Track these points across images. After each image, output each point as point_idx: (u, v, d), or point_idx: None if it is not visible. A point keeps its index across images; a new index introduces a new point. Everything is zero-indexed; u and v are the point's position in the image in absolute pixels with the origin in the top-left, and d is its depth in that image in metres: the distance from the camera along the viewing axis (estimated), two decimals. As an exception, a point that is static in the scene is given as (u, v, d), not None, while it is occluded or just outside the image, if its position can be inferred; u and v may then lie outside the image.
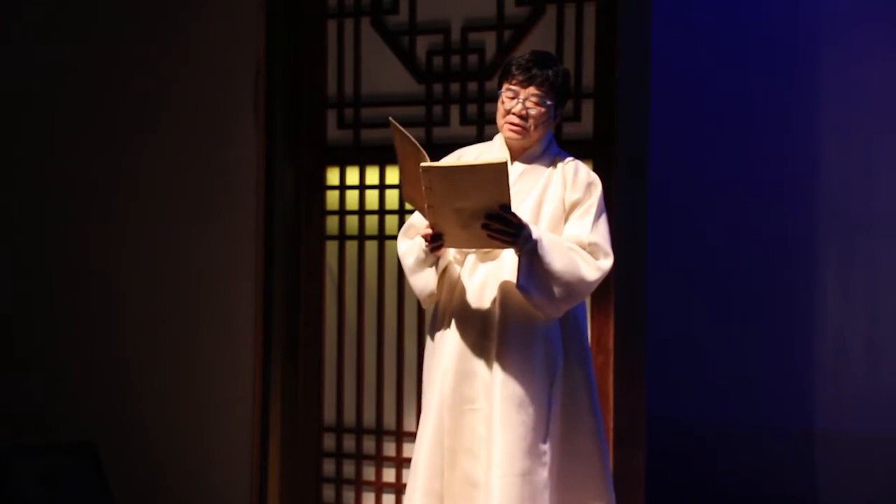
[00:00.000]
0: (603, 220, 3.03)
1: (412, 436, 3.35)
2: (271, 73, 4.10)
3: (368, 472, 4.12)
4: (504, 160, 2.75)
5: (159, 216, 4.24)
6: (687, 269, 5.10)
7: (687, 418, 5.05)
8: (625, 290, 3.71)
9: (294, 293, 4.17)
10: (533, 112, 2.98)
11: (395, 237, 3.48)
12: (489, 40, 3.98)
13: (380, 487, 4.10)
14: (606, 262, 2.98)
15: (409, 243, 3.07)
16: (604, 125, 3.82)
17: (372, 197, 4.14)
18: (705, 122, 5.12)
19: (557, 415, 2.97)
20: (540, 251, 2.85)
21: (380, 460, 4.10)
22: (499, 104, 3.03)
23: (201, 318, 4.18)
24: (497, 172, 2.73)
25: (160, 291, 4.24)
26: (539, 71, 2.97)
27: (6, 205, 4.46)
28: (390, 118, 2.92)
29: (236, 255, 4.13)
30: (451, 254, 3.04)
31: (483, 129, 3.93)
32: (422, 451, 3.02)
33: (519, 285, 2.87)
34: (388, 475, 4.09)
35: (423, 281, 3.03)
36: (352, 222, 4.17)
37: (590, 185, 3.04)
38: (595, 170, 3.76)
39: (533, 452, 2.90)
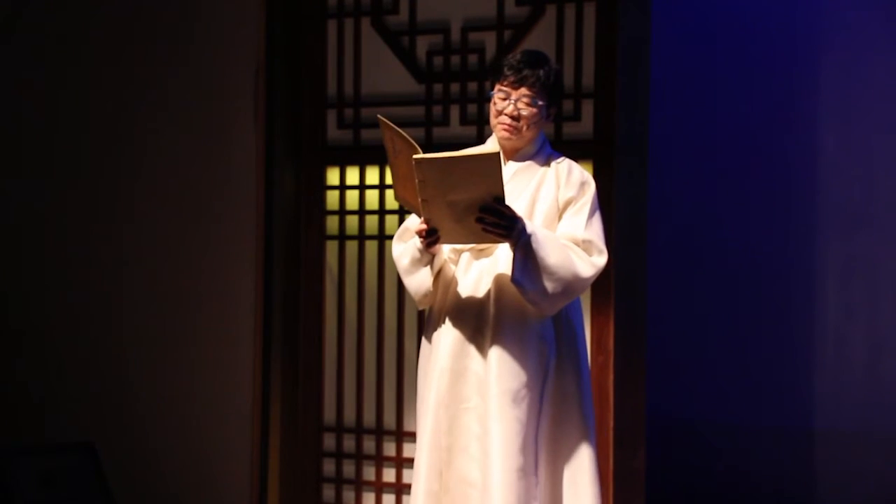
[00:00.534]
0: (597, 217, 3.03)
1: (412, 436, 3.35)
2: (271, 73, 4.10)
3: (368, 472, 4.12)
4: (497, 151, 2.75)
5: (159, 216, 4.24)
6: (687, 268, 5.10)
7: (687, 418, 5.04)
8: (625, 290, 3.71)
9: (294, 293, 4.17)
10: (525, 113, 2.98)
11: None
12: (489, 40, 3.98)
13: (380, 487, 4.10)
14: (601, 260, 2.98)
15: (404, 246, 3.07)
16: (604, 125, 3.82)
17: (372, 197, 4.14)
18: (705, 123, 5.12)
19: (548, 413, 2.97)
20: (534, 244, 2.85)
21: (380, 460, 4.10)
22: (491, 105, 3.04)
23: (201, 318, 4.18)
24: (489, 164, 2.73)
25: (160, 291, 4.24)
26: (530, 71, 2.97)
27: (6, 205, 4.46)
28: (379, 116, 2.92)
29: (236, 255, 4.13)
30: (445, 253, 3.05)
31: (483, 129, 3.94)
32: (422, 453, 3.02)
33: (513, 279, 2.87)
34: (389, 475, 4.10)
35: (418, 281, 3.03)
36: (352, 222, 4.17)
37: (583, 183, 3.04)
38: (595, 170, 3.79)
39: (527, 450, 2.91)
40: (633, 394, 3.72)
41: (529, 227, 2.87)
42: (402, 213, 4.04)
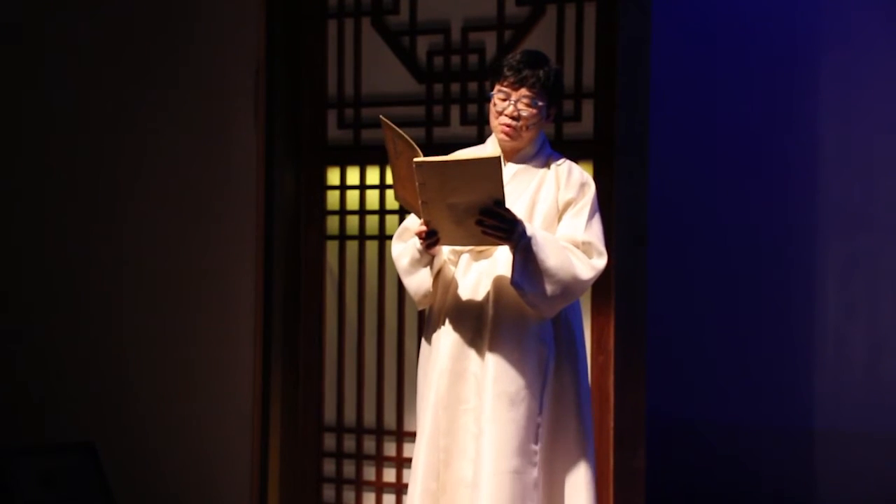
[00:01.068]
0: (596, 219, 3.03)
1: (413, 436, 3.35)
2: (271, 73, 4.10)
3: (369, 472, 4.12)
4: (497, 155, 2.75)
5: (159, 216, 4.24)
6: (687, 269, 5.10)
7: (687, 418, 5.04)
8: (625, 290, 3.71)
9: (294, 293, 4.17)
10: (525, 113, 2.98)
11: (395, 237, 3.48)
12: (489, 40, 3.98)
13: (380, 487, 4.10)
14: (600, 262, 2.98)
15: (404, 246, 3.07)
16: (604, 125, 3.82)
17: (372, 197, 4.14)
18: (705, 122, 5.12)
19: (547, 415, 2.97)
20: (534, 247, 2.85)
21: (380, 460, 4.10)
22: (490, 105, 3.03)
23: (201, 318, 4.18)
24: (490, 167, 2.73)
25: (160, 291, 4.24)
26: (530, 72, 2.97)
27: (6, 205, 4.46)
28: (381, 116, 2.93)
29: (236, 255, 4.13)
30: (445, 254, 3.05)
31: (483, 129, 3.93)
32: (420, 453, 3.03)
33: (513, 281, 2.87)
34: (389, 475, 4.09)
35: (417, 281, 3.03)
36: (352, 222, 4.17)
37: (583, 185, 3.04)
38: (595, 170, 3.79)
39: (523, 451, 2.90)
40: (633, 394, 3.72)
41: (529, 230, 2.87)
42: (402, 213, 4.03)
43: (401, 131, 2.79)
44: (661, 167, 4.29)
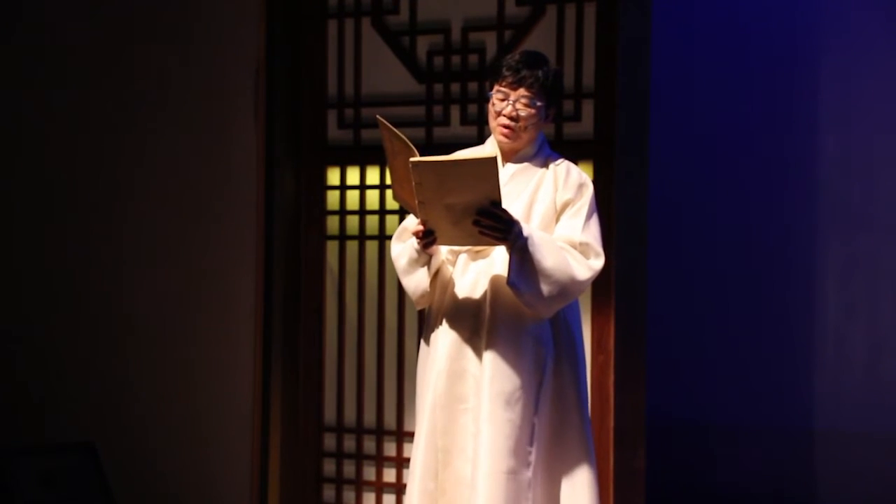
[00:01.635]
0: (594, 220, 3.03)
1: (413, 436, 3.35)
2: (271, 73, 4.10)
3: (369, 472, 4.12)
4: (493, 155, 2.75)
5: (159, 216, 4.24)
6: (687, 268, 5.10)
7: (687, 418, 5.04)
8: (625, 290, 3.71)
9: (294, 293, 4.17)
10: (523, 114, 2.98)
11: (395, 237, 3.48)
12: (489, 40, 3.98)
13: (380, 487, 4.10)
14: (597, 262, 2.98)
15: (402, 246, 3.07)
16: (604, 125, 3.82)
17: (372, 197, 4.14)
18: (705, 122, 5.12)
19: (546, 415, 2.97)
20: (531, 248, 2.85)
21: (380, 460, 4.10)
22: (489, 106, 3.03)
23: (201, 318, 4.18)
24: (486, 167, 2.72)
25: (160, 291, 4.24)
26: (529, 72, 2.96)
27: (6, 205, 4.46)
28: (378, 116, 2.92)
29: (236, 256, 4.13)
30: (443, 254, 3.05)
31: (483, 129, 3.93)
32: (418, 453, 3.03)
33: (509, 282, 2.87)
34: (389, 475, 4.10)
35: (415, 281, 3.03)
36: (352, 222, 4.17)
37: (581, 185, 3.03)
38: (595, 170, 3.79)
39: (518, 452, 2.90)
40: (633, 394, 3.72)
41: (526, 231, 2.86)
42: (402, 213, 4.03)
43: (397, 131, 2.79)
44: (661, 167, 4.29)
